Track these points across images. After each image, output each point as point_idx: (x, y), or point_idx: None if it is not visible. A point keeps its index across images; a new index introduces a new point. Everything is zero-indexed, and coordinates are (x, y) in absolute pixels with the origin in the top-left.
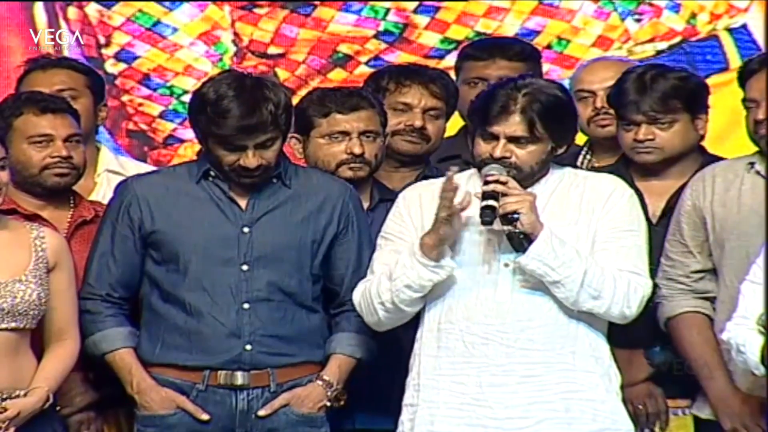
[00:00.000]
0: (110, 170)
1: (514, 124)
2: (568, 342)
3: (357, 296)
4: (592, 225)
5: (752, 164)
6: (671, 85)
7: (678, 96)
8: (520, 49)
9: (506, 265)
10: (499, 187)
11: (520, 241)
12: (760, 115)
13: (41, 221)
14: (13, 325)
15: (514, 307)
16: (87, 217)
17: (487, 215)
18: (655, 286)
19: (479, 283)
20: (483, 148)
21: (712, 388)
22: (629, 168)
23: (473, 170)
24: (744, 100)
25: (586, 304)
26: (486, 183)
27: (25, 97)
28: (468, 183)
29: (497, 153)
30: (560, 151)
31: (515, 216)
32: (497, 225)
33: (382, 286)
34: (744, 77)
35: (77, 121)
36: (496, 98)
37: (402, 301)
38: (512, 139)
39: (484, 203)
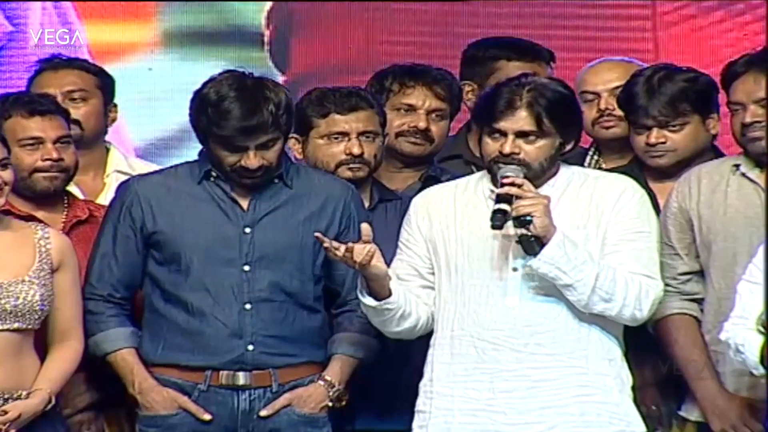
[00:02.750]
0: (120, 171)
1: (521, 120)
2: (580, 345)
3: None
4: (602, 226)
5: (737, 166)
6: (679, 87)
7: (687, 98)
8: (531, 49)
9: (515, 270)
10: (513, 190)
11: (532, 245)
12: (748, 119)
13: (36, 222)
14: (16, 325)
15: (524, 312)
16: (81, 217)
17: (498, 219)
18: None
19: (489, 289)
20: (491, 146)
21: (700, 389)
22: (643, 169)
23: (482, 172)
24: (728, 103)
25: (597, 306)
26: (502, 185)
27: (13, 99)
28: (478, 184)
29: (506, 149)
30: (567, 147)
31: (528, 219)
32: (510, 229)
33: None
34: (728, 80)
35: (67, 121)
36: (501, 95)
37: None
38: (520, 135)
39: (496, 207)
